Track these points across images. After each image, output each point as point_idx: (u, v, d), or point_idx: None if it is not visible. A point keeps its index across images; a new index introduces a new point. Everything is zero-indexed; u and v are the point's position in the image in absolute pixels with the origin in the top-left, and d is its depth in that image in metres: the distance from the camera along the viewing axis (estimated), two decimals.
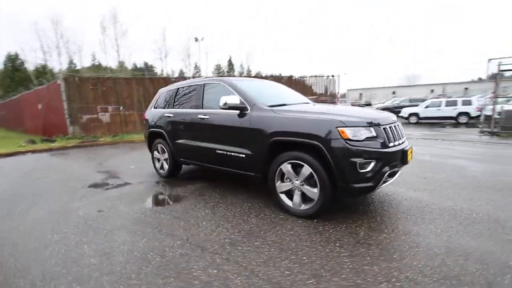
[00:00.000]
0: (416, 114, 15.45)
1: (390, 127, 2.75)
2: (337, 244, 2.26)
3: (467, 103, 14.44)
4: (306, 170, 2.67)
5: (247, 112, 3.20)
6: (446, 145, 7.36)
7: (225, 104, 3.22)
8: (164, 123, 4.43)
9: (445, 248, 2.14)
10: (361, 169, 2.44)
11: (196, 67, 54.68)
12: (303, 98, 4.19)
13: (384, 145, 2.56)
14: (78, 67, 42.64)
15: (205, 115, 3.70)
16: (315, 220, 2.72)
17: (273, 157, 2.96)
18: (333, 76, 13.49)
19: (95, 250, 2.33)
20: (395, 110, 18.84)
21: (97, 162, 6.40)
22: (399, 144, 2.76)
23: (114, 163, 6.26)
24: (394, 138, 2.73)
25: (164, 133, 4.42)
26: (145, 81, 12.07)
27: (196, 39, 30.89)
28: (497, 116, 9.37)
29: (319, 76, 13.42)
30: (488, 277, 1.78)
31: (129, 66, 46.79)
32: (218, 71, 55.46)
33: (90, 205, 3.48)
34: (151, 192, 3.96)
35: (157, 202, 3.59)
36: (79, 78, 10.75)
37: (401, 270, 1.89)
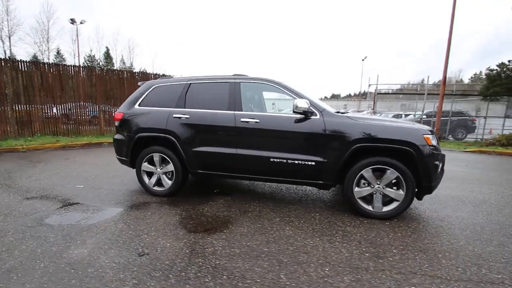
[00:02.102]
0: None
1: None
2: (435, 240, 2.59)
3: None
4: (392, 173, 2.87)
5: (316, 117, 3.06)
6: None
7: (297, 107, 2.95)
8: (174, 127, 3.45)
9: (495, 224, 2.88)
10: (438, 170, 2.89)
11: (58, 54, 43.37)
12: None
13: (440, 149, 3.14)
14: None
15: (252, 119, 3.20)
16: (395, 220, 2.96)
17: (350, 164, 2.98)
18: None
19: None
20: None
21: (1, 184, 4.08)
22: None
23: (34, 183, 4.18)
24: None
25: (173, 139, 3.44)
26: (28, 65, 8.54)
27: (73, 21, 24.27)
28: None
29: None
30: None
31: None
32: (91, 62, 46.10)
33: (106, 248, 2.28)
34: (172, 217, 2.98)
35: (208, 228, 2.76)
36: None
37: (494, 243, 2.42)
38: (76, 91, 9.33)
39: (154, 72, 10.98)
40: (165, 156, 3.53)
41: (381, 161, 2.88)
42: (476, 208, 3.39)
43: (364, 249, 2.32)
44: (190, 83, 3.60)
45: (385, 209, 2.95)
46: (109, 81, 10.00)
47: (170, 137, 3.46)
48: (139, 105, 3.74)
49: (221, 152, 3.33)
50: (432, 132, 2.98)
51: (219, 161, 3.39)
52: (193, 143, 3.42)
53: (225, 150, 3.32)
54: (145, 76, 10.94)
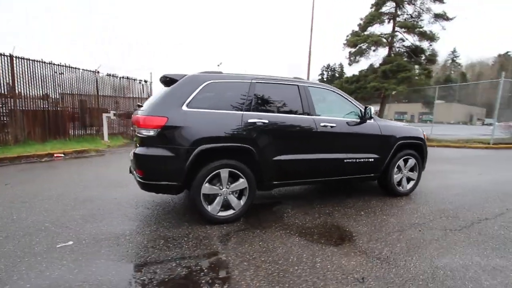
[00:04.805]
0: None
1: None
2: (460, 199, 3.98)
3: None
4: (412, 161, 3.97)
5: (371, 121, 3.63)
6: None
7: (373, 113, 3.42)
8: (251, 134, 2.86)
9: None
10: None
11: None
12: None
13: None
14: None
15: (329, 123, 3.29)
16: (413, 195, 4.10)
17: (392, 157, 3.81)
18: (146, 81, 12.03)
19: None
20: None
21: None
22: None
23: None
24: None
25: (252, 148, 2.85)
26: None
27: None
28: None
29: (132, 79, 11.31)
30: None
31: None
32: None
33: None
34: (291, 238, 2.58)
35: (340, 237, 2.64)
36: None
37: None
38: None
39: None
40: (236, 171, 2.85)
41: (409, 153, 3.92)
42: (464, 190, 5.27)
43: (445, 217, 3.21)
44: (256, 83, 3.08)
45: (408, 187, 4.04)
46: None
47: (248, 146, 2.84)
48: (188, 106, 2.73)
49: (303, 158, 3.18)
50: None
51: (300, 168, 3.20)
52: (272, 151, 3.00)
53: (307, 156, 3.20)
54: None
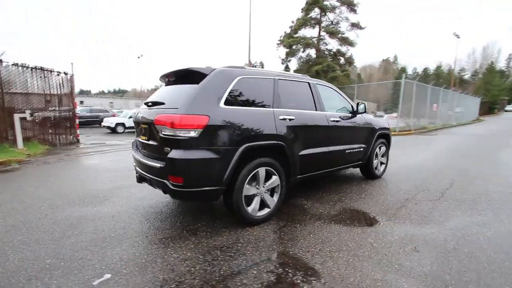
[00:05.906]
0: (122, 124, 16.20)
1: None
2: (421, 174, 4.88)
3: None
4: (384, 148, 4.71)
5: (359, 115, 4.12)
6: None
7: (366, 108, 3.87)
8: (283, 130, 2.86)
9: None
10: None
11: None
12: None
13: None
14: None
15: (335, 118, 3.58)
16: (384, 177, 4.86)
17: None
18: (66, 73, 9.68)
19: None
20: (92, 119, 17.52)
21: None
22: None
23: None
24: None
25: (285, 145, 2.86)
26: None
27: None
28: None
29: (48, 70, 8.93)
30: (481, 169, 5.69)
31: None
32: None
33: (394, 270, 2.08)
34: (331, 225, 2.77)
35: (371, 217, 2.96)
36: None
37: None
38: None
39: None
40: (271, 169, 2.82)
41: (382, 141, 4.63)
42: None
43: (422, 191, 3.97)
44: (278, 79, 3.07)
45: (381, 170, 4.78)
46: None
47: (281, 143, 2.85)
48: (225, 103, 2.52)
49: (320, 152, 3.37)
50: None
51: (316, 162, 3.39)
52: (298, 147, 3.09)
53: (322, 149, 3.41)
54: None
